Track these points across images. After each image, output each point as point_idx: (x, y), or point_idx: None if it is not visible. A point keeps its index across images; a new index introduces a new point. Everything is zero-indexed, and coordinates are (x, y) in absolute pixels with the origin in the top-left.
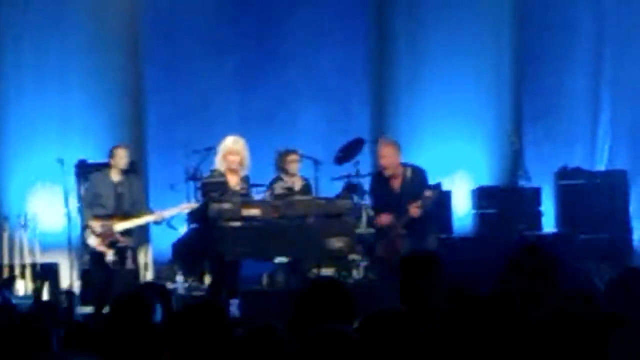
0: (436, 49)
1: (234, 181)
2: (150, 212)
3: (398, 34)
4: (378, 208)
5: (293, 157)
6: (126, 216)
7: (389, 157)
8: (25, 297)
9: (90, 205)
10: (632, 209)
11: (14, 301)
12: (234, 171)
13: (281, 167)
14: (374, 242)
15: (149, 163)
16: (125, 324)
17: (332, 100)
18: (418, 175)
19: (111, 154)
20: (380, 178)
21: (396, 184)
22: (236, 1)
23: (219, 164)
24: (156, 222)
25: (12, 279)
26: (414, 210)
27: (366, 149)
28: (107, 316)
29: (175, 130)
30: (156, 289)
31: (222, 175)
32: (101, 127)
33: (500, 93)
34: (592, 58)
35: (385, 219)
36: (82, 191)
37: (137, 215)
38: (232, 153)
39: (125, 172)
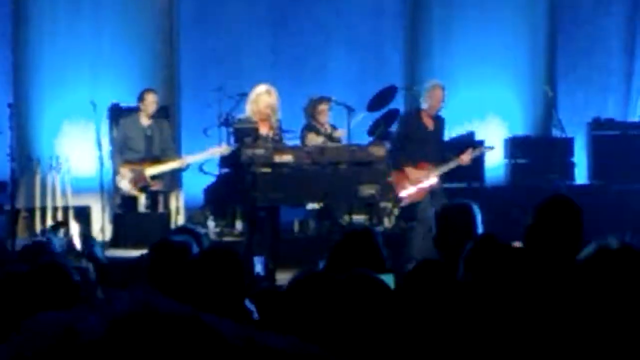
0: None
1: (265, 129)
2: (179, 157)
3: None
4: (403, 152)
5: (325, 105)
6: (156, 161)
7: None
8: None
9: (120, 150)
10: None
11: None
12: (265, 120)
13: (312, 115)
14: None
15: (182, 107)
16: (164, 263)
17: (365, 46)
18: (443, 123)
19: (141, 98)
20: (418, 116)
21: (430, 123)
22: None
23: (250, 111)
24: (182, 169)
25: (59, 225)
26: (466, 157)
27: (399, 96)
28: (146, 256)
29: (207, 75)
30: (190, 232)
31: (254, 122)
32: (134, 69)
33: (534, 41)
34: (627, 8)
35: (417, 173)
36: (114, 135)
37: (166, 160)
38: (264, 102)
39: (155, 117)
